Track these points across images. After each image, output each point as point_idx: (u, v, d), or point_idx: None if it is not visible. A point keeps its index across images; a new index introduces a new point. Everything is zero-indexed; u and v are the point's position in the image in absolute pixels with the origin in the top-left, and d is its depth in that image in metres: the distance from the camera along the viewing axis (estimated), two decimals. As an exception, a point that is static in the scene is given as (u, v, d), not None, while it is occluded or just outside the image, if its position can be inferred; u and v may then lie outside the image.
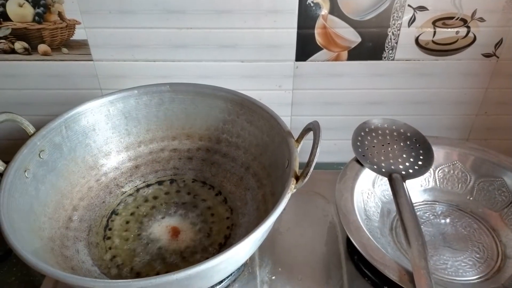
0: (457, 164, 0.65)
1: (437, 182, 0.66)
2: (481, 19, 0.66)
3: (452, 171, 0.66)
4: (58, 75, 0.71)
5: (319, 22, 0.66)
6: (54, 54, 0.69)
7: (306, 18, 0.66)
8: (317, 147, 0.50)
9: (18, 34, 0.67)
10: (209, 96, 0.64)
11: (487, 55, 0.70)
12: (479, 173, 0.64)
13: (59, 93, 0.73)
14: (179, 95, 0.65)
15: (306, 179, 0.50)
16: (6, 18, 0.66)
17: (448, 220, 0.63)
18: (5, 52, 0.69)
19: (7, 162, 0.53)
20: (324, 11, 0.65)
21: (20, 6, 0.65)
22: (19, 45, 0.68)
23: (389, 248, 0.58)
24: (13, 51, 0.69)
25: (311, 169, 0.49)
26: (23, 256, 0.43)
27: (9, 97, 0.73)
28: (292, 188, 0.50)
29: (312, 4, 0.65)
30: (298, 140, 0.55)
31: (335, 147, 0.80)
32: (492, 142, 0.79)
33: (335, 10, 0.65)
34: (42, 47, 0.68)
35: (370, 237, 0.54)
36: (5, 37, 0.67)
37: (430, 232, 0.61)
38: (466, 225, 0.62)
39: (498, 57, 0.70)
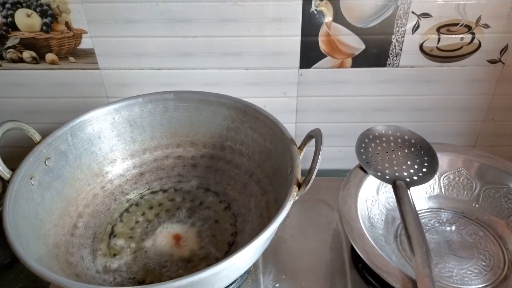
0: (462, 171, 0.65)
1: (442, 189, 0.66)
2: (486, 26, 0.66)
3: (457, 178, 0.65)
4: (65, 84, 0.72)
5: (323, 30, 0.67)
6: (61, 63, 0.70)
7: (309, 25, 0.66)
8: (319, 154, 0.50)
9: (26, 44, 0.68)
10: (212, 103, 0.65)
11: (492, 61, 0.69)
12: (485, 180, 0.64)
13: (66, 101, 0.74)
14: (183, 102, 0.65)
15: (308, 186, 0.50)
16: (15, 28, 0.67)
17: (453, 228, 0.63)
18: (13, 61, 0.70)
19: (13, 169, 0.54)
20: (328, 18, 0.66)
21: (28, 16, 0.66)
22: (27, 54, 0.69)
23: (393, 256, 0.57)
24: (21, 60, 0.70)
25: (313, 176, 0.49)
26: (27, 262, 0.44)
27: (18, 105, 0.74)
28: (294, 195, 0.50)
29: (315, 12, 0.65)
30: (301, 148, 0.55)
31: (340, 153, 0.79)
32: (499, 148, 0.79)
33: (338, 17, 0.65)
34: (49, 56, 0.70)
35: (374, 244, 0.54)
36: (13, 47, 0.69)
37: (435, 239, 0.61)
38: (472, 233, 0.62)
39: (503, 63, 0.69)
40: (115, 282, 0.55)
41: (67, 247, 0.56)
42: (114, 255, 0.58)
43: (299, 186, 0.50)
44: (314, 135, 0.52)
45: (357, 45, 0.68)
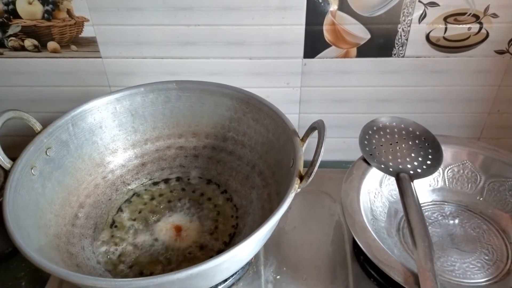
0: (467, 164, 0.64)
1: (446, 182, 0.65)
2: (494, 15, 0.64)
3: (461, 171, 0.65)
4: (67, 72, 0.72)
5: (328, 19, 0.66)
6: (63, 51, 0.70)
7: (314, 14, 0.65)
8: (321, 146, 0.49)
9: (27, 32, 0.68)
10: (215, 93, 0.64)
11: (500, 52, 0.68)
12: (489, 173, 0.63)
13: (68, 90, 0.74)
14: (186, 92, 0.65)
15: (310, 178, 0.49)
16: (16, 15, 0.66)
17: (457, 221, 0.62)
18: (15, 49, 0.69)
19: (14, 159, 0.54)
20: (333, 7, 0.64)
21: (30, 3, 0.65)
22: (28, 42, 0.69)
23: (395, 249, 0.57)
24: (23, 48, 0.69)
25: (315, 168, 0.49)
26: (27, 253, 0.44)
27: (19, 94, 0.74)
28: (296, 187, 0.49)
29: (320, 1, 0.64)
30: (304, 139, 0.55)
31: (343, 144, 0.79)
32: (505, 141, 0.78)
33: (344, 6, 0.64)
34: (51, 44, 0.69)
35: (376, 237, 0.54)
36: (15, 35, 0.68)
37: (438, 233, 0.60)
38: (475, 226, 0.61)
39: (511, 54, 0.68)
40: (115, 273, 0.55)
41: (68, 238, 0.56)
42: (115, 245, 0.58)
43: (301, 178, 0.50)
44: (317, 127, 0.52)
45: (362, 34, 0.67)
